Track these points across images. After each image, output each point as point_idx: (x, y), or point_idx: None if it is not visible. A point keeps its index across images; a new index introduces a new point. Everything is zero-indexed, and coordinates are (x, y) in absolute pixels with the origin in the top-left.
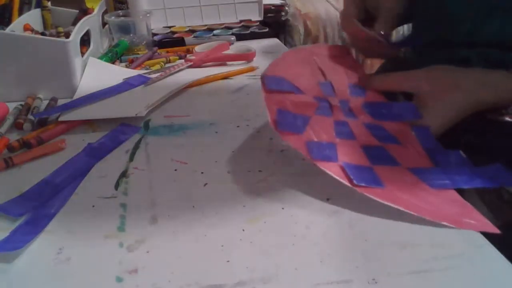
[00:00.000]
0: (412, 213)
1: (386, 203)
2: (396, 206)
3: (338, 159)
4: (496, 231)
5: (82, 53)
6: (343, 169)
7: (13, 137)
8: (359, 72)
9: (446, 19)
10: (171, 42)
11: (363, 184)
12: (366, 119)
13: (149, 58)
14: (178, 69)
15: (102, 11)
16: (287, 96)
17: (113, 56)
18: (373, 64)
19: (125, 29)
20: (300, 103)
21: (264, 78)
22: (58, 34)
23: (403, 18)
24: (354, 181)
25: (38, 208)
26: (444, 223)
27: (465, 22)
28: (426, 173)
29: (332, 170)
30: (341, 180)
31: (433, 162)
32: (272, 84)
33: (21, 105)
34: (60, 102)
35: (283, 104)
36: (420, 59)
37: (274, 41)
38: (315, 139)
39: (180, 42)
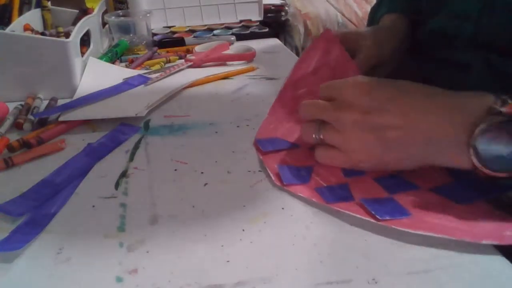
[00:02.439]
0: (450, 237)
1: (418, 232)
2: (430, 234)
3: (354, 197)
4: None
5: (82, 53)
6: (362, 206)
7: (13, 137)
8: (349, 70)
9: (451, 16)
10: (171, 42)
11: (387, 218)
12: None
13: (149, 58)
14: (178, 69)
15: (102, 11)
16: (284, 153)
17: (113, 56)
18: None
19: (125, 29)
20: (300, 155)
21: (257, 142)
22: (58, 34)
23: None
24: (377, 216)
25: (38, 208)
26: (485, 242)
27: (470, 19)
28: (449, 189)
29: (351, 209)
30: (364, 217)
31: (451, 176)
32: (267, 146)
33: (21, 105)
34: (60, 102)
35: (283, 160)
36: (421, 63)
37: (274, 41)
38: (324, 184)
39: (180, 42)
